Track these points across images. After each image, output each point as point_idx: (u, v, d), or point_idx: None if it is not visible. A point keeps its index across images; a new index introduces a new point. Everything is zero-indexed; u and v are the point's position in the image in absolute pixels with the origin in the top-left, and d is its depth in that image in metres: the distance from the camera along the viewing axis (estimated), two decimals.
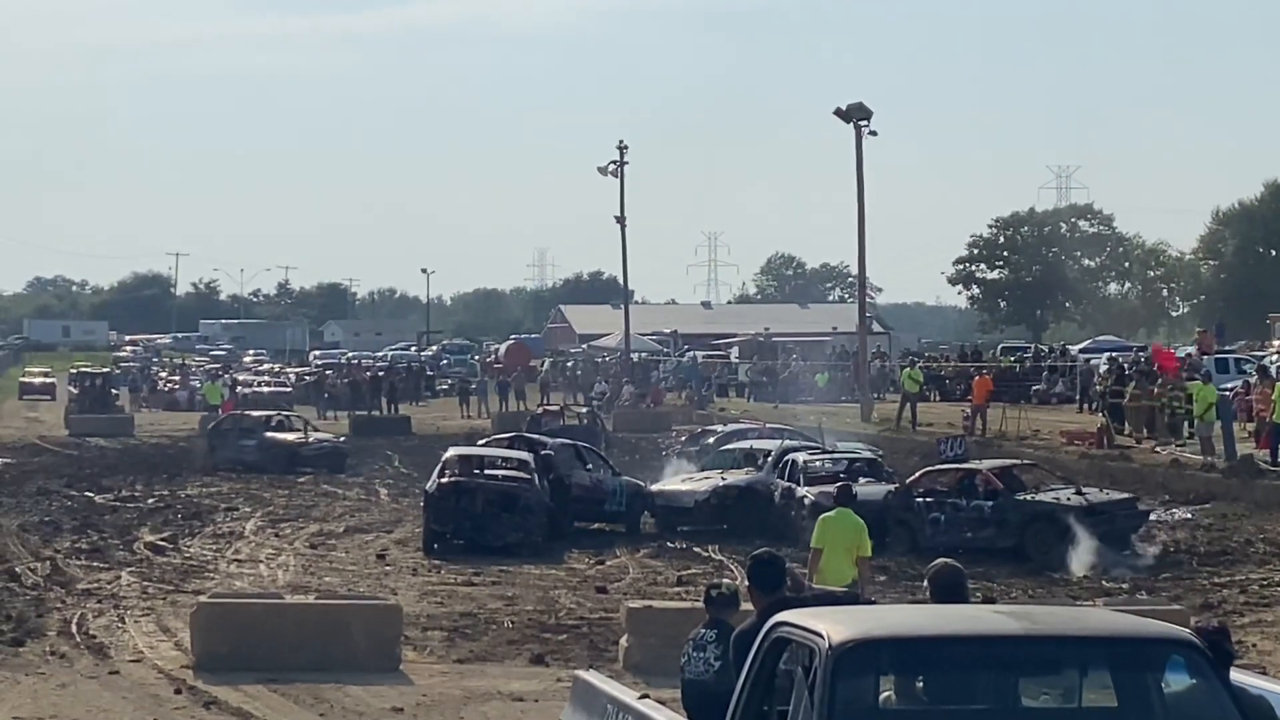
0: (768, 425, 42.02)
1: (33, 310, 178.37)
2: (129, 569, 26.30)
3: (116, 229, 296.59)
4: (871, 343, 71.34)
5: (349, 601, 20.09)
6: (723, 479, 32.48)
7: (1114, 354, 58.56)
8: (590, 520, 32.54)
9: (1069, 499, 28.23)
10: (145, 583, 24.96)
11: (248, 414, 50.08)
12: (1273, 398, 36.41)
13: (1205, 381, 39.73)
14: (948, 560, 10.58)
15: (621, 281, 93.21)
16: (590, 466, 33.72)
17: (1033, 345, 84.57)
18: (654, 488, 33.63)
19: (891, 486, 30.12)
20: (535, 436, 36.64)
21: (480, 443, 37.50)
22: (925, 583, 10.42)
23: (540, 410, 54.43)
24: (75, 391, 70.43)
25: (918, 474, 30.73)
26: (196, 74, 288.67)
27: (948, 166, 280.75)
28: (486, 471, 31.24)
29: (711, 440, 40.19)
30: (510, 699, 17.30)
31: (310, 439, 46.62)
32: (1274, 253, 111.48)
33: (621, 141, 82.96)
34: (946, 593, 10.06)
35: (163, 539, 30.07)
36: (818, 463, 31.89)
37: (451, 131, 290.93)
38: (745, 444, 35.60)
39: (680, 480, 33.84)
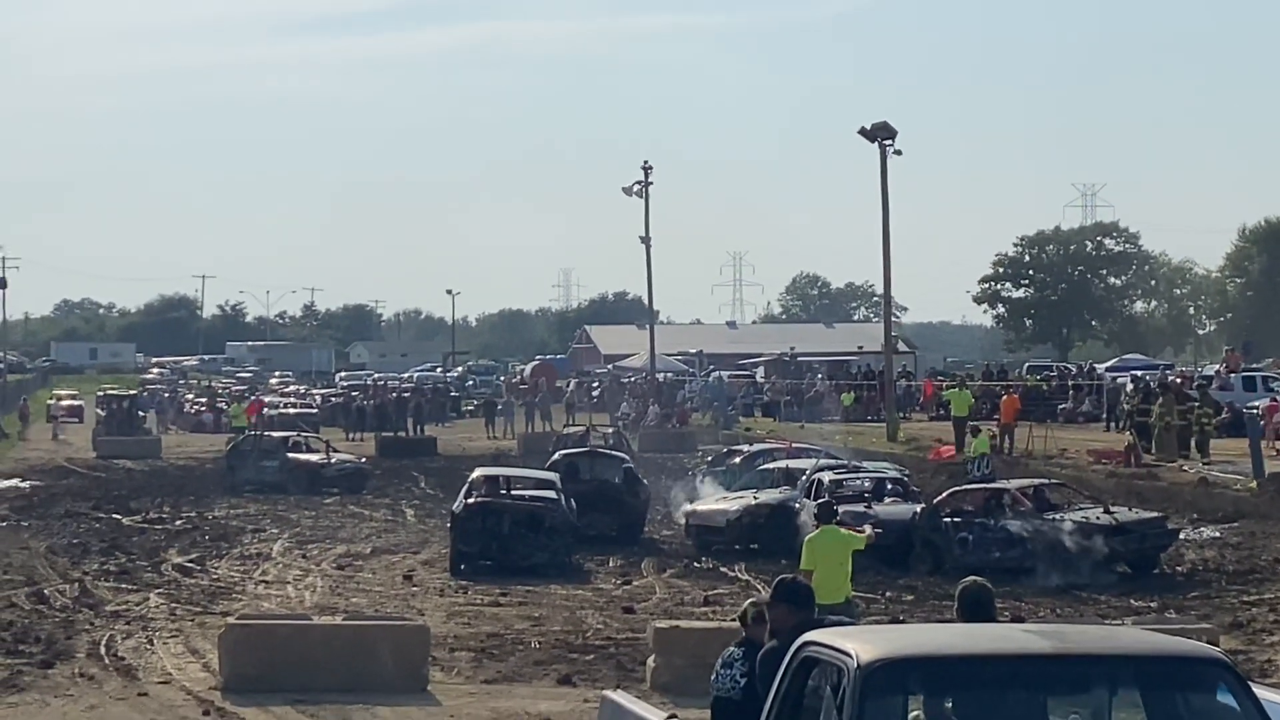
0: (794, 445, 41.97)
1: (60, 333, 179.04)
2: (157, 591, 26.37)
3: (143, 252, 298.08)
4: (897, 362, 71.26)
5: (376, 622, 20.10)
6: (755, 498, 32.48)
7: (1140, 372, 58.43)
8: None
9: (1098, 518, 28.15)
10: (173, 604, 25.02)
11: (268, 435, 50.12)
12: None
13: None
14: (976, 578, 10.58)
15: (647, 301, 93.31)
16: None
17: (1059, 364, 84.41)
18: (688, 507, 33.76)
19: (918, 506, 30.05)
20: (613, 452, 38.58)
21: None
22: (954, 601, 10.43)
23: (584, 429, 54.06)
24: (102, 414, 70.67)
25: (945, 494, 30.65)
26: (221, 98, 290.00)
27: (973, 185, 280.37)
28: (513, 492, 31.31)
29: (738, 460, 40.15)
30: (538, 719, 17.31)
31: (332, 460, 46.71)
32: None
33: (646, 162, 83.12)
34: (974, 610, 10.07)
35: (190, 560, 30.15)
36: (844, 482, 31.87)
37: (476, 153, 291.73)
38: (783, 463, 35.62)
39: (715, 500, 33.89)
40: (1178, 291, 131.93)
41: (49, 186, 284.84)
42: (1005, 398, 50.49)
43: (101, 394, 78.73)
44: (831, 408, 68.87)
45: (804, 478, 32.50)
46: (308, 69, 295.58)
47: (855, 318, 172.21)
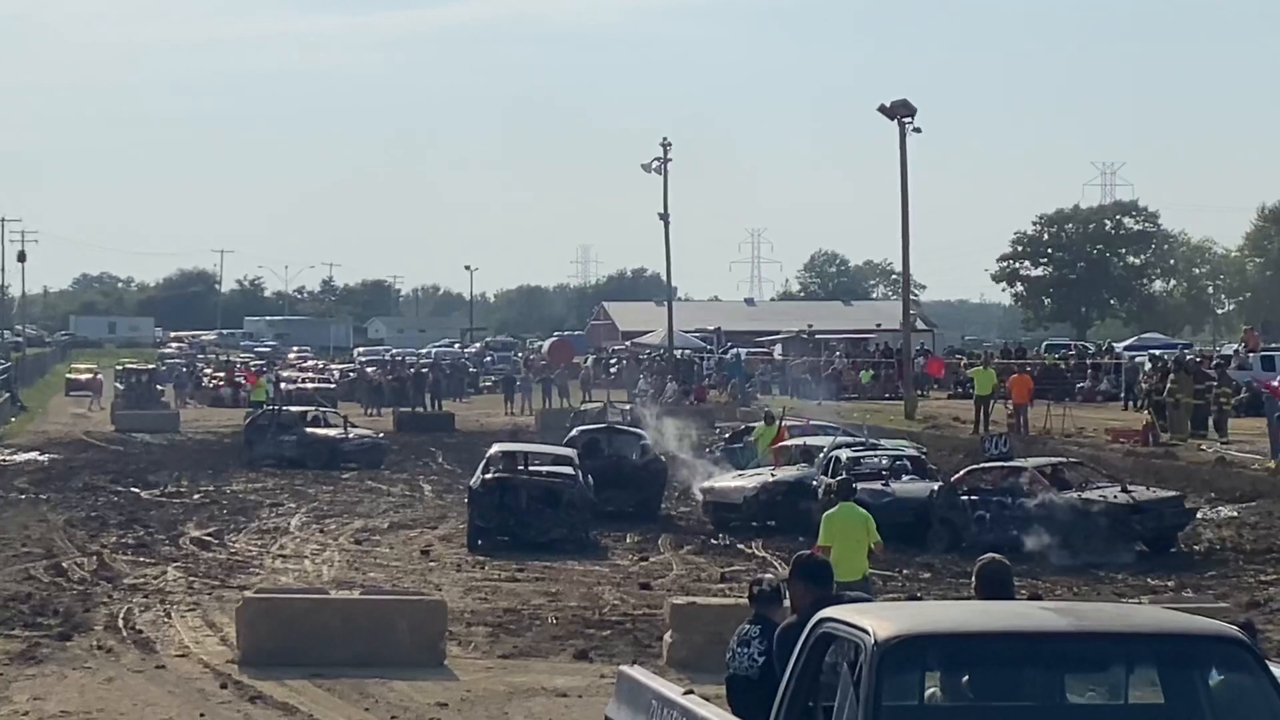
0: (811, 422, 41.93)
1: (79, 307, 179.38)
2: (175, 564, 26.42)
3: (162, 226, 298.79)
4: (915, 340, 71.13)
5: (394, 597, 20.13)
6: (772, 475, 32.48)
7: (1158, 351, 58.31)
8: None
9: (1115, 497, 28.10)
10: (191, 578, 25.06)
11: (286, 409, 50.09)
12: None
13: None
14: (994, 555, 10.58)
15: (665, 278, 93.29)
16: None
17: (1077, 343, 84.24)
18: (705, 484, 33.76)
19: (936, 484, 30.03)
20: (631, 429, 38.37)
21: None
22: (972, 578, 10.44)
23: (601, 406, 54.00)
24: (121, 388, 70.80)
25: (963, 472, 30.62)
26: (241, 71, 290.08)
27: (992, 163, 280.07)
28: (531, 468, 31.32)
29: (754, 438, 40.08)
30: (554, 695, 17.33)
31: (350, 435, 46.73)
32: None
33: (665, 139, 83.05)
34: (993, 587, 10.07)
35: (208, 534, 30.21)
36: (861, 460, 31.84)
37: (495, 129, 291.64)
38: (800, 440, 35.60)
39: (732, 477, 33.88)
40: (1197, 270, 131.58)
41: (69, 159, 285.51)
42: (1014, 377, 50.20)
43: (120, 368, 78.82)
44: (849, 385, 68.81)
45: (821, 455, 32.49)
46: (329, 43, 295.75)
47: (874, 296, 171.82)
